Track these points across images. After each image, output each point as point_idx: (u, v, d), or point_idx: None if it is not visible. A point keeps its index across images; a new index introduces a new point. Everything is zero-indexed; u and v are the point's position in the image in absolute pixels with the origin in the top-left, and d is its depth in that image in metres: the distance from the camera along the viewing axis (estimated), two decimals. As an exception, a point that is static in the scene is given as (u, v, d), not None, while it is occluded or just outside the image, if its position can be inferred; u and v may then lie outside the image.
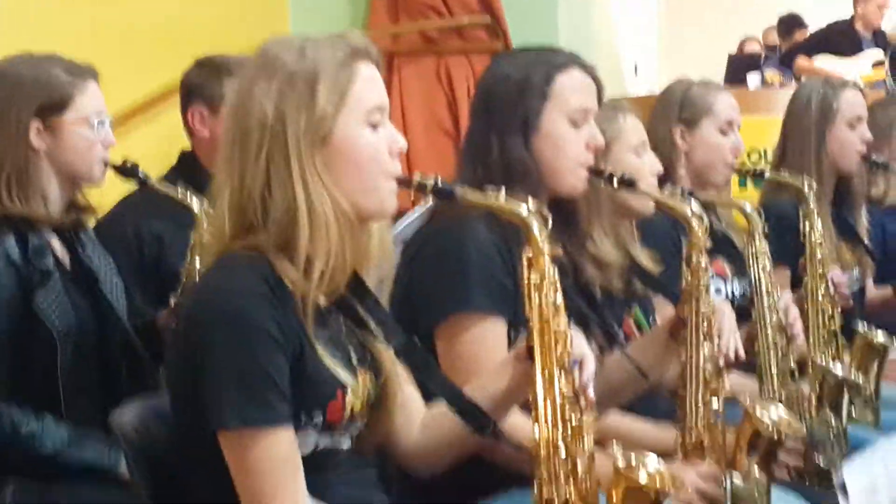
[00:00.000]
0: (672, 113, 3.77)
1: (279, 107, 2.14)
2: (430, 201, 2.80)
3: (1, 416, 2.83)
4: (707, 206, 3.04)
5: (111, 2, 4.80)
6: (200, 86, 3.67)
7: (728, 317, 2.86)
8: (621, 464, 2.09)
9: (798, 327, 3.28)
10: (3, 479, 2.85)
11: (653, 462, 2.10)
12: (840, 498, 2.62)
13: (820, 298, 3.66)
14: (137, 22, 4.84)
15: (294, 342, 2.12)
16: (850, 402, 3.33)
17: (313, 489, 2.12)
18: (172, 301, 3.14)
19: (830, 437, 3.20)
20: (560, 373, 2.18)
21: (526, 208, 2.24)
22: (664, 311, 3.09)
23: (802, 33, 10.00)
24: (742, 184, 4.57)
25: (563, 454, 2.15)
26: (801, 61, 8.73)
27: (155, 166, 3.52)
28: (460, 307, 2.66)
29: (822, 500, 2.83)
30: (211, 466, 2.11)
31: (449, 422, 2.29)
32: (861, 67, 8.29)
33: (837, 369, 3.23)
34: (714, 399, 2.76)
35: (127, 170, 3.14)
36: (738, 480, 2.64)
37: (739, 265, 3.56)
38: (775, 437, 2.62)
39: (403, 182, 2.24)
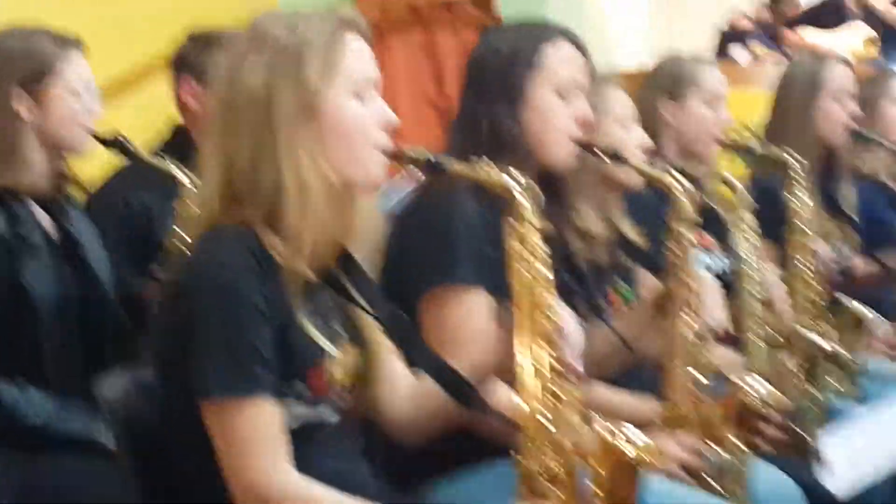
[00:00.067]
0: (659, 86, 3.77)
1: (268, 80, 2.15)
2: (409, 172, 2.80)
3: (-15, 387, 2.84)
4: (693, 180, 3.04)
5: (98, -27, 4.78)
6: (193, 60, 3.65)
7: (713, 290, 2.88)
8: (608, 436, 2.10)
9: (782, 300, 3.30)
10: (-12, 449, 2.86)
11: (638, 434, 2.11)
12: (820, 469, 2.64)
13: (804, 271, 3.67)
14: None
15: (279, 314, 2.13)
16: (833, 375, 3.36)
17: (299, 462, 2.13)
18: (156, 273, 3.14)
19: (812, 410, 3.23)
20: (544, 344, 2.19)
21: (515, 182, 2.25)
22: (649, 284, 3.10)
23: (793, 9, 9.99)
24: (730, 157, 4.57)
25: (547, 426, 2.16)
26: (789, 34, 8.74)
27: (142, 138, 3.52)
28: (446, 279, 2.66)
29: (802, 471, 2.85)
30: (195, 437, 2.12)
31: (435, 394, 2.30)
32: (850, 42, 8.29)
33: (820, 342, 3.26)
34: (699, 372, 2.78)
35: (112, 141, 3.14)
36: (720, 452, 2.66)
37: (725, 239, 3.57)
38: (760, 410, 2.63)
39: (392, 154, 2.24)
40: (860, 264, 4.35)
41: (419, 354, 2.33)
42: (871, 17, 8.72)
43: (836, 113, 4.20)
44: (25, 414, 2.85)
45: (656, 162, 3.26)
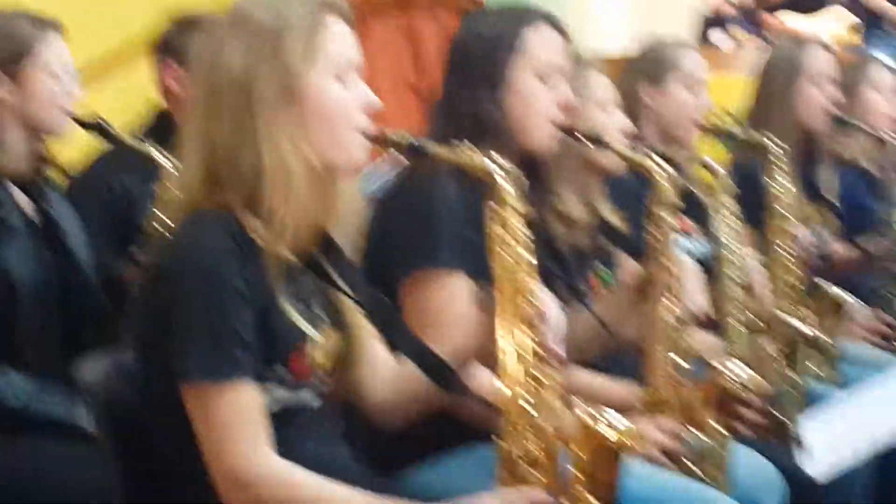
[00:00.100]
0: (640, 71, 3.77)
1: (248, 62, 2.14)
2: (391, 156, 2.80)
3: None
4: (674, 164, 3.05)
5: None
6: (176, 43, 3.63)
7: (694, 274, 2.88)
8: (589, 421, 2.10)
9: (761, 284, 3.31)
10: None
11: (619, 419, 2.11)
12: (799, 453, 2.65)
13: (784, 255, 3.68)
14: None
15: (260, 298, 2.13)
16: (813, 360, 3.37)
17: (280, 445, 2.13)
18: (137, 256, 3.13)
19: (792, 394, 3.24)
20: (526, 328, 2.19)
21: (497, 166, 2.25)
22: (630, 268, 3.11)
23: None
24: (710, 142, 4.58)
25: (527, 409, 2.17)
26: (769, 19, 8.74)
27: (122, 121, 3.51)
28: (428, 263, 2.66)
29: (782, 455, 2.86)
30: (176, 420, 2.11)
31: (415, 377, 2.30)
32: (831, 27, 8.29)
33: (801, 327, 3.27)
34: (679, 356, 2.78)
35: (92, 124, 3.13)
36: (698, 435, 2.67)
37: (706, 223, 3.58)
38: (740, 395, 2.64)
39: (374, 138, 2.24)
40: (840, 249, 4.37)
41: (400, 338, 2.33)
42: (853, 3, 8.72)
43: (816, 98, 4.21)
44: (5, 396, 2.85)
45: (637, 146, 3.26)
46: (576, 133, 2.85)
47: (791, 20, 8.56)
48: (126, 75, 4.65)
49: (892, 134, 4.36)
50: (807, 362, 3.30)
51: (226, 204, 2.15)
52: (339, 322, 2.29)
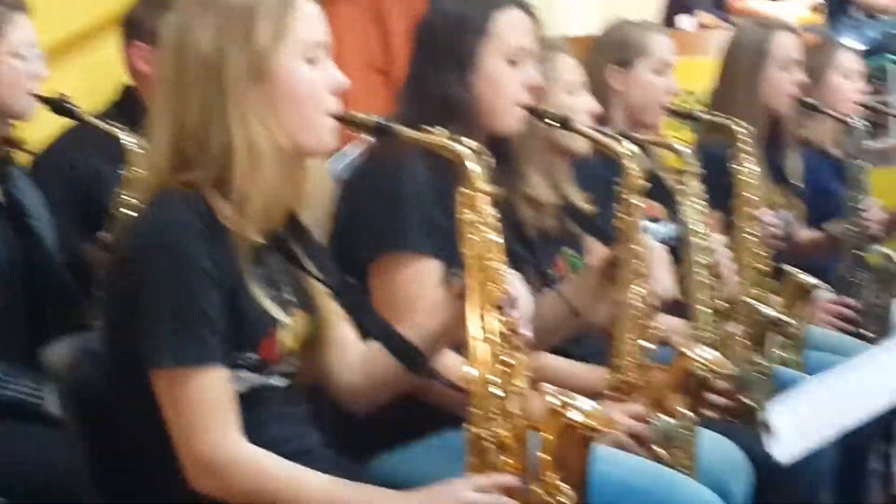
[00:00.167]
0: (607, 53, 3.76)
1: (217, 42, 2.14)
2: (363, 139, 2.79)
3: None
4: (641, 147, 3.05)
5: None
6: (144, 22, 3.60)
7: (660, 257, 2.89)
8: (556, 404, 2.11)
9: (728, 268, 3.32)
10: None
11: (587, 403, 2.12)
12: (765, 437, 2.66)
13: (750, 239, 3.69)
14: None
15: (228, 279, 2.12)
16: (778, 343, 3.38)
17: (247, 427, 2.12)
18: (101, 236, 3.11)
19: (757, 378, 3.24)
20: (495, 311, 2.19)
21: (465, 147, 2.24)
22: (597, 251, 3.11)
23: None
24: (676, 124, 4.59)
25: (496, 393, 2.16)
26: (734, 2, 8.75)
27: (89, 101, 3.48)
28: (395, 246, 2.66)
29: (748, 439, 2.87)
30: (143, 404, 2.11)
31: (384, 361, 2.30)
32: (796, 9, 8.31)
33: (766, 310, 3.28)
34: (645, 339, 2.79)
35: (57, 103, 3.10)
36: (666, 420, 2.68)
37: (671, 206, 3.58)
38: (706, 378, 2.65)
39: (343, 119, 2.23)
40: (805, 233, 4.39)
41: (368, 321, 2.33)
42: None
43: (782, 81, 4.22)
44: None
45: (604, 128, 3.26)
46: (543, 115, 2.85)
47: (756, 3, 8.58)
48: (93, 54, 4.60)
49: (857, 118, 4.37)
50: (773, 346, 3.31)
51: (194, 183, 2.14)
52: (307, 304, 2.29)
